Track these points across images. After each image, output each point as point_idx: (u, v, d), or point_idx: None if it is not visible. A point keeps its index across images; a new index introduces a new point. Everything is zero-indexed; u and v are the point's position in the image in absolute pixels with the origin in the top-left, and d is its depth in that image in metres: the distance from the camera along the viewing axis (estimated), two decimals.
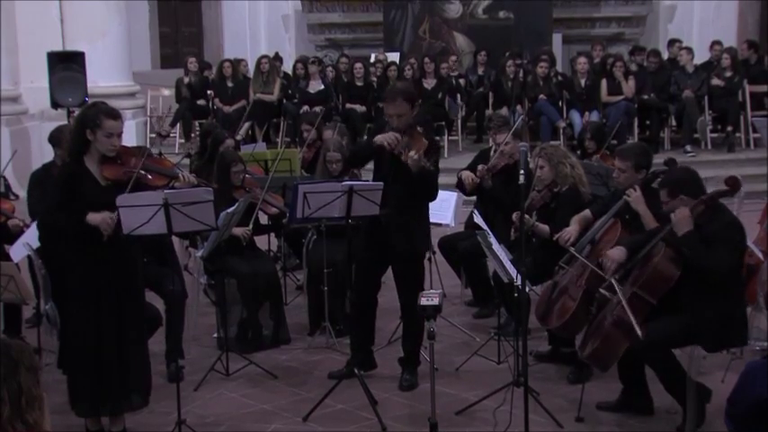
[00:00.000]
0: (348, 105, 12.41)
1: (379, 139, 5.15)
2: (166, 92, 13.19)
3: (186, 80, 13.07)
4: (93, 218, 4.42)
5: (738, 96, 12.00)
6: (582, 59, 12.18)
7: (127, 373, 4.58)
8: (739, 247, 4.60)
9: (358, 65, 12.73)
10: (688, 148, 11.75)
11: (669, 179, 4.73)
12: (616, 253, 4.79)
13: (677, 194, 4.56)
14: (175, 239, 5.97)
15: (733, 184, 4.58)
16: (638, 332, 4.40)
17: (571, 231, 5.51)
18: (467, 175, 6.71)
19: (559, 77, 12.43)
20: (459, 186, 6.75)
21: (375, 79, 12.89)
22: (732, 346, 4.91)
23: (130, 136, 11.35)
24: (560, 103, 12.09)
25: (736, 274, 4.64)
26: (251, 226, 6.20)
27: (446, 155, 12.25)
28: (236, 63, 13.14)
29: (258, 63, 12.91)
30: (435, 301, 3.85)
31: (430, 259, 6.93)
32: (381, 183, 5.18)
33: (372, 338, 5.59)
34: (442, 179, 10.07)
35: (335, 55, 14.63)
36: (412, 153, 5.03)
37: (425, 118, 8.12)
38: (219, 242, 5.84)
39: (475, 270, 6.82)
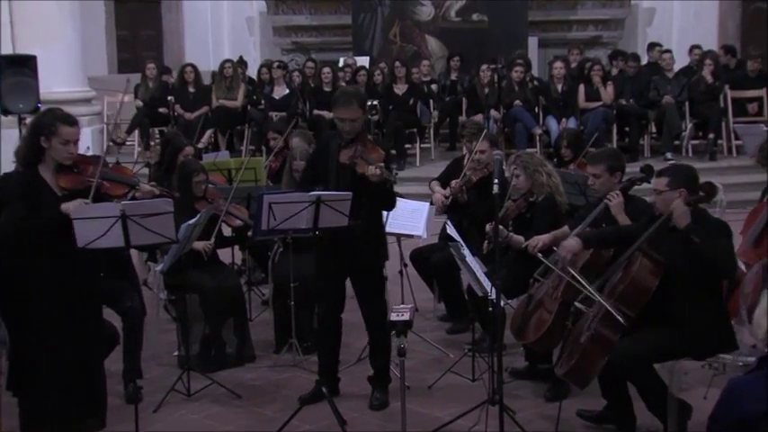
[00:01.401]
0: (315, 112, 12.41)
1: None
2: (125, 98, 13.10)
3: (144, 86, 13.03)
4: (66, 206, 4.41)
5: (720, 102, 12.16)
6: (558, 64, 12.28)
7: (83, 395, 4.54)
8: (732, 244, 4.70)
9: (326, 69, 12.75)
10: (668, 155, 11.86)
11: (674, 169, 4.82)
12: (569, 243, 4.87)
13: (678, 186, 4.62)
14: (134, 253, 5.94)
15: (709, 191, 4.64)
16: (620, 320, 4.42)
17: (541, 238, 5.55)
18: (437, 197, 6.76)
19: (535, 83, 12.51)
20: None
21: (344, 84, 12.90)
22: (723, 352, 4.96)
23: (86, 144, 11.25)
24: (536, 110, 12.18)
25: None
26: (213, 240, 6.18)
27: (418, 163, 12.32)
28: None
29: (221, 68, 12.89)
30: (406, 317, 3.87)
31: (401, 272, 6.97)
32: (350, 193, 5.20)
33: (337, 358, 5.60)
34: (413, 189, 10.27)
35: (302, 59, 14.64)
36: (373, 168, 5.06)
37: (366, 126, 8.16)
38: (180, 256, 5.81)
39: (448, 283, 6.84)
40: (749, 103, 12.26)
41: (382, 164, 5.12)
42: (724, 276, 4.74)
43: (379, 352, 5.45)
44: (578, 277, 4.79)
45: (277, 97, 12.55)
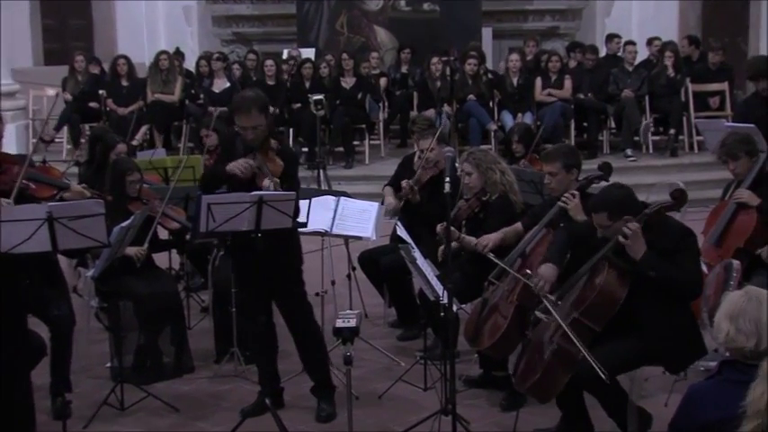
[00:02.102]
0: None
1: (230, 168, 5.23)
2: (51, 91, 12.94)
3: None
4: None
5: (681, 96, 12.35)
6: (514, 56, 12.37)
7: (7, 411, 4.48)
8: (699, 255, 4.74)
9: (269, 62, 12.70)
10: (629, 152, 12.02)
11: (606, 201, 4.66)
12: (546, 271, 4.78)
13: (620, 216, 4.57)
14: (62, 258, 5.87)
15: (679, 197, 4.67)
16: (602, 375, 4.35)
17: (490, 237, 5.58)
18: (389, 201, 6.80)
19: (490, 76, 12.59)
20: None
21: (288, 78, 12.88)
22: (698, 359, 5.01)
23: (10, 141, 11.09)
24: (491, 104, 12.26)
25: None
26: (146, 245, 6.12)
27: (367, 161, 12.34)
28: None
29: (156, 59, 12.77)
30: (352, 323, 3.88)
31: (349, 276, 6.98)
32: (294, 192, 5.20)
33: (276, 366, 5.60)
34: (362, 188, 10.28)
35: (243, 51, 14.58)
36: (266, 182, 5.11)
37: (280, 129, 8.16)
38: (113, 260, 5.76)
39: (399, 287, 6.86)
40: (710, 97, 12.46)
41: (277, 179, 5.16)
42: (689, 299, 4.76)
43: (315, 360, 5.49)
44: (543, 297, 4.79)
45: (217, 91, 12.47)
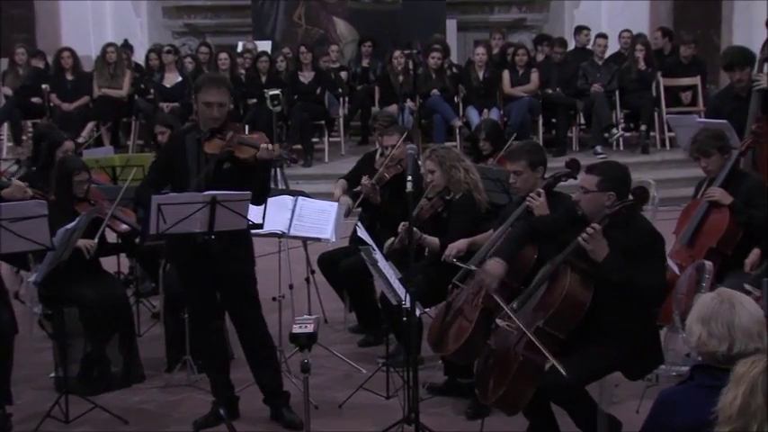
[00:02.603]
0: None
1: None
2: None
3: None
4: None
5: (652, 91, 12.46)
6: (479, 49, 12.43)
7: None
8: (664, 258, 4.78)
9: (223, 55, 12.66)
10: (598, 149, 12.11)
11: (605, 167, 4.80)
12: (492, 267, 4.79)
13: (608, 188, 4.63)
14: (2, 262, 5.81)
15: (641, 196, 4.70)
16: (562, 371, 4.38)
17: (456, 245, 5.60)
18: (337, 195, 6.80)
19: (454, 70, 12.65)
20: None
21: (243, 72, 12.84)
22: (655, 369, 5.06)
23: None
24: (456, 100, 12.30)
25: None
26: (96, 239, 6.05)
27: (327, 159, 12.34)
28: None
29: (103, 52, 12.67)
30: (310, 329, 3.88)
31: (308, 279, 6.97)
32: (249, 192, 5.18)
33: (228, 374, 5.58)
34: (321, 187, 10.27)
35: (195, 43, 14.50)
36: (265, 146, 5.08)
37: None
38: (57, 264, 5.70)
39: (360, 291, 6.87)
40: (682, 92, 12.58)
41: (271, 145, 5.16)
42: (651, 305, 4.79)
43: (267, 367, 5.46)
44: (497, 298, 4.80)
45: (168, 86, 12.41)
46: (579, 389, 4.56)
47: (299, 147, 12.27)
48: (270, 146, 5.12)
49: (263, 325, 5.45)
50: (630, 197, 4.64)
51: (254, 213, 5.50)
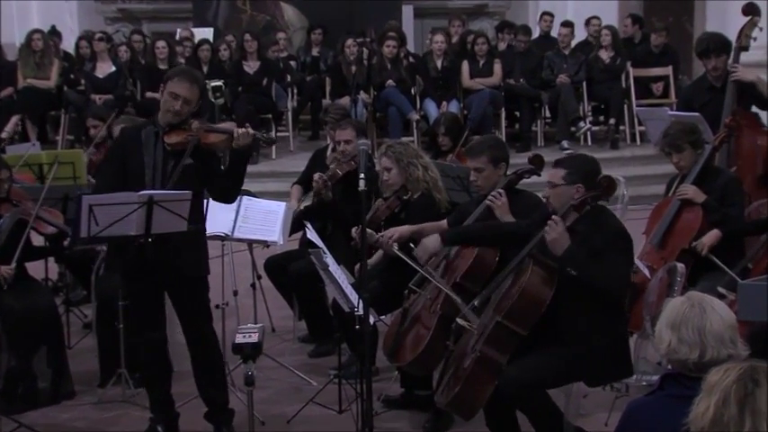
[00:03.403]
0: (148, 94, 12.23)
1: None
2: None
3: None
4: None
5: (621, 82, 12.58)
6: (438, 37, 12.45)
7: None
8: (631, 258, 4.82)
9: (160, 43, 12.58)
10: (565, 143, 12.18)
11: (571, 159, 4.90)
12: (427, 242, 4.94)
13: (575, 181, 4.70)
14: None
15: (607, 186, 4.77)
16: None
17: (399, 229, 5.62)
18: (293, 204, 6.81)
19: (411, 59, 12.66)
20: None
21: (183, 61, 12.76)
22: (619, 379, 5.11)
23: None
24: (412, 91, 12.31)
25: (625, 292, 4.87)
26: (14, 263, 5.96)
27: (274, 155, 12.31)
28: None
29: (28, 39, 12.53)
30: (254, 338, 3.87)
31: (254, 285, 6.95)
32: (189, 192, 5.16)
33: (170, 388, 5.56)
34: (268, 186, 10.24)
35: (130, 30, 14.40)
36: (241, 130, 5.09)
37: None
38: None
39: (310, 298, 6.86)
40: (654, 83, 12.70)
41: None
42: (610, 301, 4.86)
43: (213, 380, 5.44)
44: (450, 293, 4.85)
45: (100, 76, 12.30)
46: (538, 390, 4.60)
47: None
48: (244, 128, 5.13)
49: (215, 339, 5.44)
50: (597, 189, 4.71)
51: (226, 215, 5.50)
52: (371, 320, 5.05)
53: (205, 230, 5.52)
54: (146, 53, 12.84)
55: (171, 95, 5.23)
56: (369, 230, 5.47)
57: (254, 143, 5.38)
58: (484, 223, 5.27)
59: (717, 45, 7.07)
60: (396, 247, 5.53)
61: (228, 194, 5.40)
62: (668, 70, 12.68)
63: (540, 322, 4.68)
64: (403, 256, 5.40)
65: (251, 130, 5.19)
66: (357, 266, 5.67)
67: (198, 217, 5.37)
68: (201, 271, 5.40)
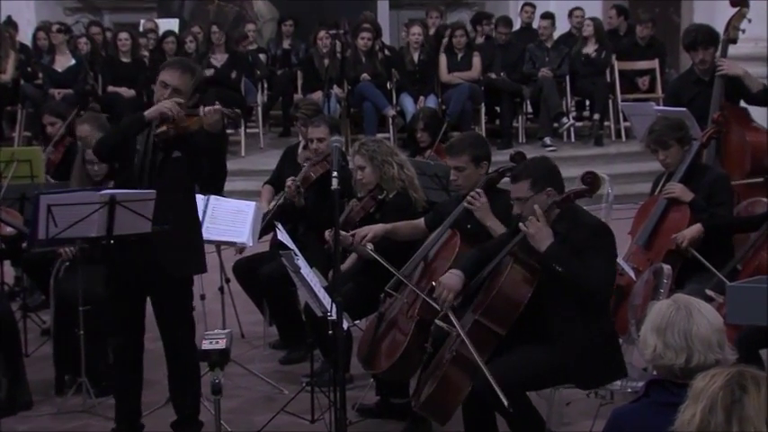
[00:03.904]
0: (110, 88, 12.19)
1: (154, 110, 5.15)
2: None
3: None
4: None
5: (606, 76, 12.63)
6: (415, 29, 12.46)
7: None
8: (613, 254, 4.86)
9: (123, 35, 12.53)
10: (547, 140, 12.25)
11: (530, 167, 4.90)
12: (451, 280, 4.85)
13: (543, 187, 4.73)
14: None
15: (592, 182, 4.80)
16: (483, 368, 4.51)
17: (372, 228, 5.62)
18: (264, 206, 6.81)
19: (387, 52, 12.67)
20: None
21: (147, 54, 12.73)
22: (613, 380, 5.12)
23: None
24: (388, 86, 12.33)
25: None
26: None
27: (243, 153, 12.29)
28: None
29: None
30: (222, 344, 3.87)
31: (222, 289, 6.94)
32: (153, 191, 5.15)
33: (140, 400, 5.54)
34: (237, 185, 10.23)
35: (89, 21, 14.35)
36: (208, 108, 5.12)
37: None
38: None
39: (281, 302, 6.86)
40: (639, 77, 12.77)
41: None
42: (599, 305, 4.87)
43: (186, 388, 5.43)
44: (427, 299, 4.87)
45: (59, 70, 12.25)
46: (517, 392, 4.62)
47: None
48: (210, 107, 5.16)
49: (194, 348, 5.40)
50: (582, 185, 4.74)
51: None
52: (345, 325, 5.07)
53: (199, 226, 5.48)
54: (107, 45, 12.78)
55: (161, 84, 5.28)
56: (343, 233, 5.47)
57: (224, 121, 5.39)
58: (477, 250, 5.20)
59: (705, 37, 7.10)
60: (370, 247, 5.54)
61: (216, 180, 5.39)
62: (654, 63, 12.76)
63: (521, 322, 4.71)
64: (378, 258, 5.41)
65: (217, 106, 5.21)
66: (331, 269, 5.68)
67: (186, 214, 5.37)
68: (188, 271, 5.39)
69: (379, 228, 5.64)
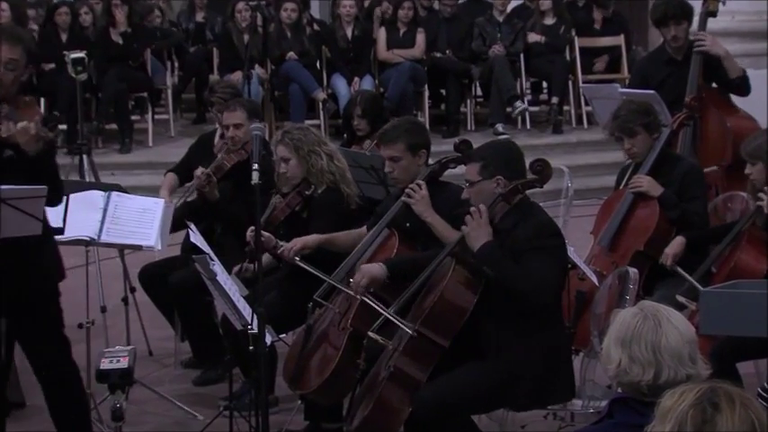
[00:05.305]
0: None
1: None
2: None
3: None
4: None
5: (566, 54, 12.71)
6: (347, 1, 12.45)
7: None
8: (559, 259, 4.89)
9: (3, 5, 12.35)
10: (499, 127, 12.26)
11: (486, 150, 4.98)
12: (371, 267, 4.96)
13: (493, 174, 4.76)
14: None
15: (541, 170, 4.83)
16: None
17: (303, 239, 5.63)
18: (163, 195, 6.76)
19: (316, 27, 12.67)
20: None
21: (36, 29, 12.58)
22: (556, 402, 5.16)
23: None
24: (318, 65, 12.32)
25: (558, 297, 4.94)
26: None
27: (151, 142, 12.23)
28: None
29: None
30: (124, 363, 3.85)
31: (126, 300, 6.89)
32: (45, 187, 5.08)
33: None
34: (143, 179, 10.16)
35: None
36: (23, 123, 4.94)
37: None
38: None
39: (194, 314, 6.82)
40: (596, 58, 12.81)
41: (38, 120, 4.96)
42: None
43: (67, 422, 5.33)
44: (368, 300, 4.89)
45: None
46: (460, 415, 4.63)
47: (113, 126, 12.10)
48: (30, 124, 4.88)
49: (68, 363, 5.34)
50: (532, 175, 4.78)
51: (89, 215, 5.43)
52: (269, 340, 5.06)
53: (48, 228, 5.41)
54: None
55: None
56: (265, 233, 5.46)
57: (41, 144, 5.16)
58: (412, 257, 5.25)
59: (676, 11, 7.06)
60: (298, 258, 5.54)
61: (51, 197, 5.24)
62: (619, 40, 12.84)
63: (466, 333, 4.73)
64: (307, 267, 5.40)
65: (31, 124, 4.90)
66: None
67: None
68: (48, 282, 5.33)
69: (312, 239, 5.63)
